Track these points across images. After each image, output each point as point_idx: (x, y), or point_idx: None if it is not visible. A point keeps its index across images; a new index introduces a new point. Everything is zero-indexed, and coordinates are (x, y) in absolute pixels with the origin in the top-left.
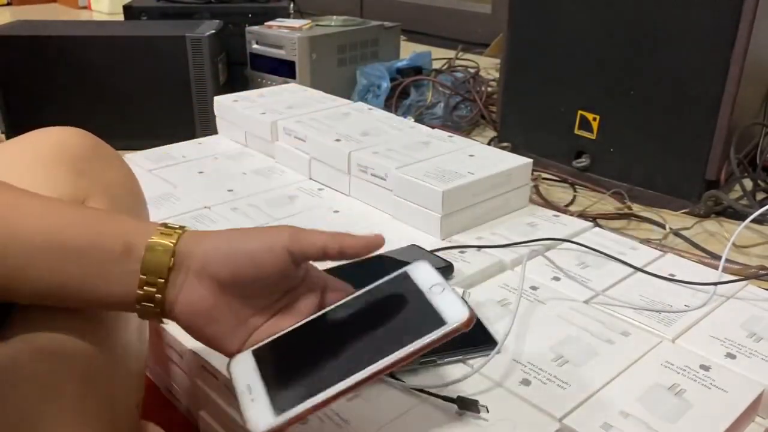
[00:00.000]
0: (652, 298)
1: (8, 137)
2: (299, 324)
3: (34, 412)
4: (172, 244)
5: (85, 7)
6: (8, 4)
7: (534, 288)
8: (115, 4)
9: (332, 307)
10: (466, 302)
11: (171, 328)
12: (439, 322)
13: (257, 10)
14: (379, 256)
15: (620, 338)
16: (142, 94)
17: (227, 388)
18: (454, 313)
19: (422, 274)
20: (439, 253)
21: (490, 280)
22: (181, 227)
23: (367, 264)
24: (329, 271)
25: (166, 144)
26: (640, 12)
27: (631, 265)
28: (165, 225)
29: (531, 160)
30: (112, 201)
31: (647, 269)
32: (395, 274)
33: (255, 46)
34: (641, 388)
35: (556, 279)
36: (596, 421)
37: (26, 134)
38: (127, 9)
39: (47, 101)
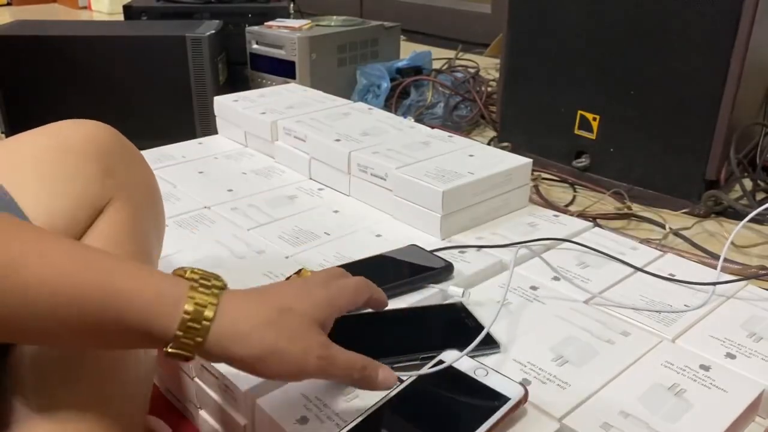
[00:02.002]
0: (652, 298)
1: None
2: (360, 419)
3: None
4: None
5: (85, 7)
6: (8, 4)
7: (534, 288)
8: (115, 4)
9: (385, 400)
10: (512, 379)
11: None
12: (502, 399)
13: (257, 10)
14: (381, 256)
15: (620, 338)
16: (142, 94)
17: (227, 388)
18: (511, 390)
19: (463, 363)
20: (439, 253)
21: (490, 280)
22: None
23: (369, 263)
24: None
25: (166, 144)
26: (640, 11)
27: (630, 265)
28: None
29: (531, 160)
30: (135, 209)
31: (647, 269)
32: (435, 366)
33: (255, 46)
34: (641, 388)
35: (556, 279)
36: (596, 421)
37: (54, 124)
38: (127, 9)
39: (47, 101)
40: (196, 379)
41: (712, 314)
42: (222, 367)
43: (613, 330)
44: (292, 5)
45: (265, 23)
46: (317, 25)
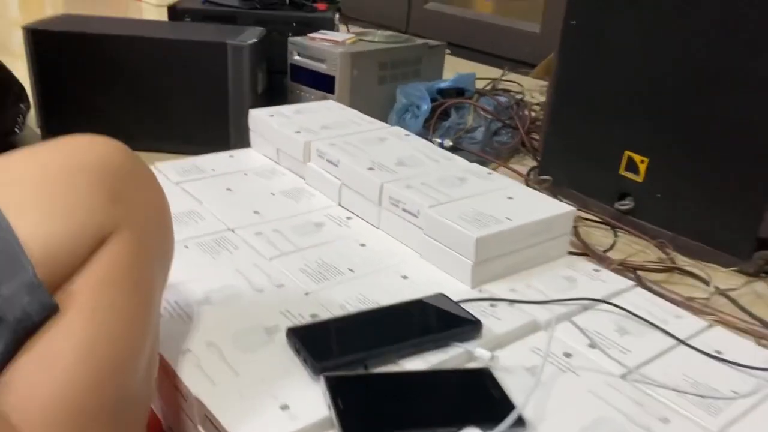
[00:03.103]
0: (696, 378)
1: (43, 133)
2: None
3: None
4: None
5: None
6: None
7: (568, 355)
8: None
9: None
10: None
11: (181, 368)
12: None
13: (302, 19)
14: (405, 305)
15: (659, 425)
16: (179, 99)
17: None
18: None
19: None
20: (468, 304)
21: (521, 342)
22: None
23: (391, 312)
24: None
25: (200, 149)
26: (704, 53)
27: (674, 337)
28: None
29: (574, 209)
30: (140, 240)
31: (692, 342)
32: None
33: (296, 57)
34: None
35: (592, 347)
36: None
37: (64, 140)
38: (171, 9)
39: (83, 99)
40: (199, 426)
41: (764, 403)
42: (228, 423)
43: (652, 415)
44: (338, 16)
45: (309, 35)
46: (361, 40)
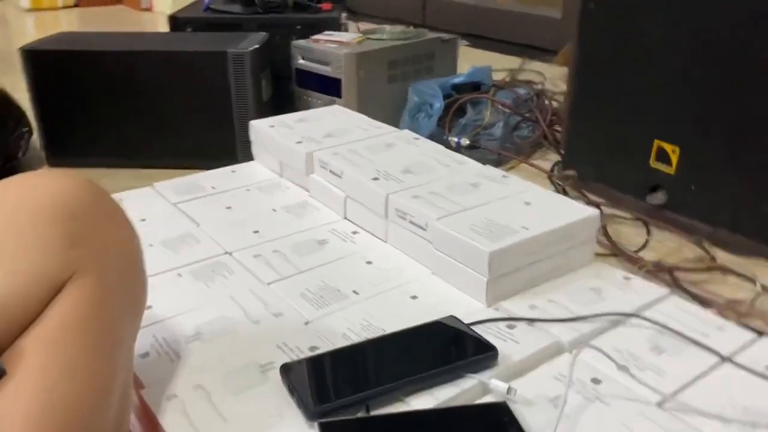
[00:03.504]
0: (744, 403)
1: (47, 155)
2: None
3: None
4: None
5: (148, 9)
6: (75, 5)
7: (596, 381)
8: (177, 3)
9: None
10: None
11: (164, 416)
12: None
13: (307, 21)
14: (414, 332)
15: None
16: (182, 112)
17: None
18: None
19: None
20: (483, 326)
21: (543, 367)
22: None
23: (397, 341)
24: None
25: (207, 163)
26: (739, 31)
27: (717, 353)
28: None
29: (598, 212)
30: (104, 286)
31: (738, 359)
32: None
33: (301, 61)
34: None
35: (624, 369)
36: None
37: (17, 178)
38: (172, 19)
39: (85, 119)
40: None
41: None
42: None
43: None
44: (343, 15)
45: (312, 37)
46: (368, 39)
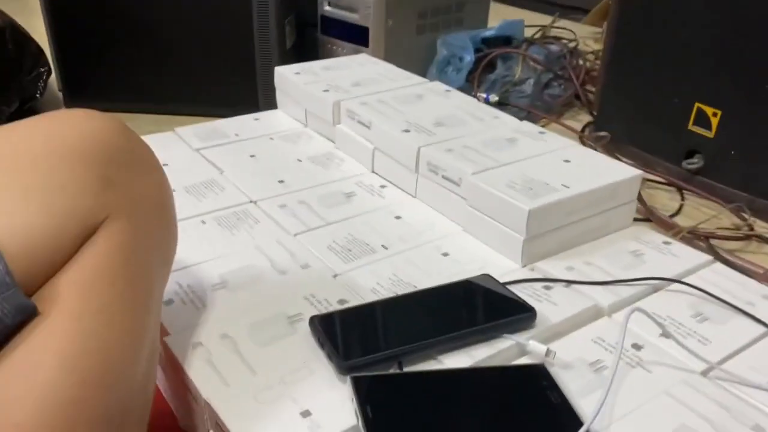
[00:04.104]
0: None
1: (65, 96)
2: None
3: None
4: None
5: None
6: None
7: (637, 347)
8: None
9: None
10: None
11: (191, 364)
12: None
13: None
14: (445, 289)
15: None
16: (203, 57)
17: None
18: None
19: None
20: (518, 286)
21: (582, 330)
22: None
23: (428, 299)
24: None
25: (228, 111)
26: None
27: (764, 323)
28: None
29: (641, 172)
30: (137, 230)
31: None
32: None
33: (327, 7)
34: None
35: (666, 336)
36: None
37: (51, 115)
38: None
39: (104, 60)
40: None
41: None
42: (239, 430)
43: (742, 422)
44: None
45: None
46: None
